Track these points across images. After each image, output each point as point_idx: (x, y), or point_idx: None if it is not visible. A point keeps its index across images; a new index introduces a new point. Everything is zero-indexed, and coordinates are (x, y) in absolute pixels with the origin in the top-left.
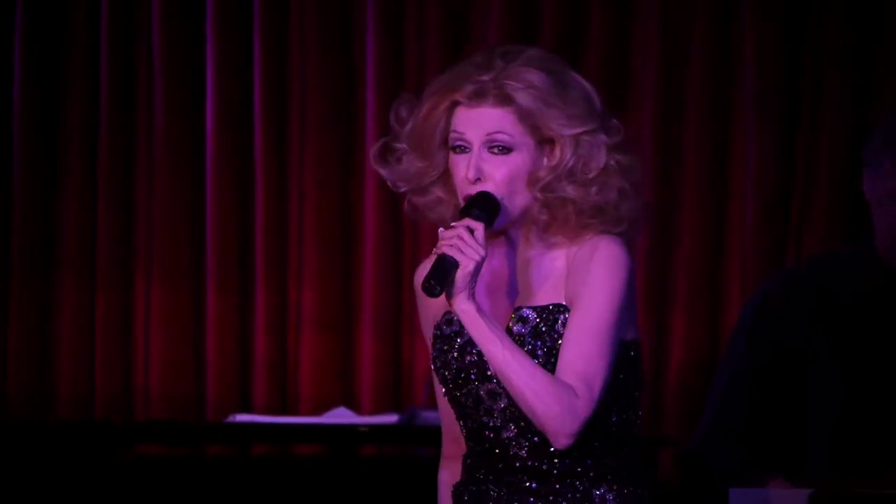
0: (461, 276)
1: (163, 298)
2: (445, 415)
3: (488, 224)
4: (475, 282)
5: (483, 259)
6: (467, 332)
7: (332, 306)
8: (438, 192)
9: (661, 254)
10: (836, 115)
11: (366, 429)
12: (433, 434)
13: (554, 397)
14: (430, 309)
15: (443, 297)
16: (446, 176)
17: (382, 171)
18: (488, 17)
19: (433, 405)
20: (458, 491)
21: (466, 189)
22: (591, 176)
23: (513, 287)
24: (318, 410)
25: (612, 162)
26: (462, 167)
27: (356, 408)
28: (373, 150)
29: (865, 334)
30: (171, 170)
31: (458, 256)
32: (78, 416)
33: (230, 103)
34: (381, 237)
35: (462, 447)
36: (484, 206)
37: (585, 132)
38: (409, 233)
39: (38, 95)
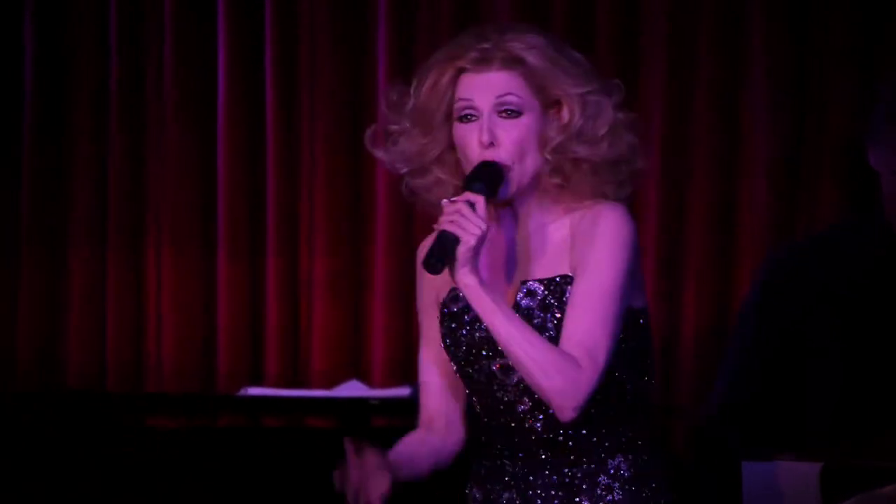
0: (462, 251)
1: (174, 269)
2: (434, 392)
3: (492, 195)
4: (478, 256)
5: (485, 233)
6: (473, 308)
7: (344, 278)
8: (438, 171)
9: (673, 228)
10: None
11: (377, 402)
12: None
13: (558, 370)
14: (433, 287)
15: (447, 274)
16: (447, 154)
17: (379, 154)
18: (499, 13)
19: None
20: (473, 467)
21: (479, 155)
22: (600, 133)
23: (517, 259)
24: (331, 383)
25: (619, 118)
26: (473, 134)
27: (368, 380)
28: (367, 134)
29: (873, 304)
30: (181, 139)
31: (458, 232)
32: (89, 386)
33: (242, 72)
34: (393, 207)
35: (439, 427)
36: (486, 178)
37: (591, 91)
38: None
39: (50, 64)
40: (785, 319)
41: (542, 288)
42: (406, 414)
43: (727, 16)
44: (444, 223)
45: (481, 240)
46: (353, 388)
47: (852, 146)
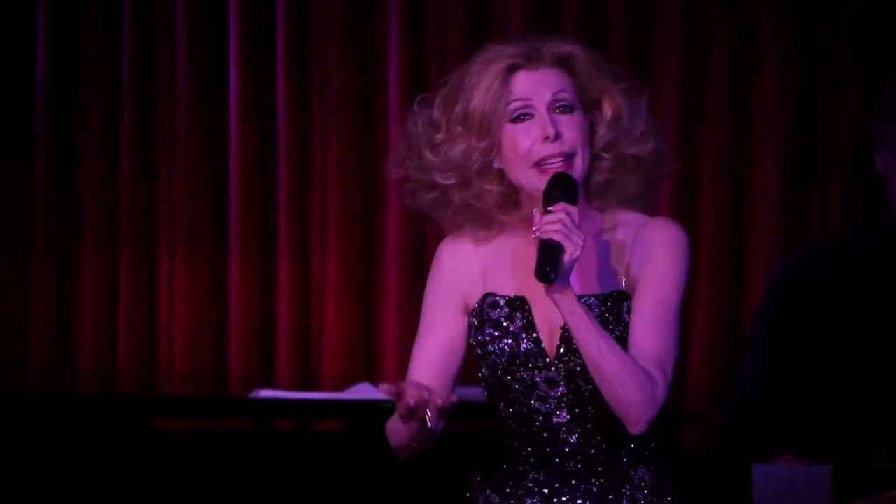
0: (568, 261)
1: (185, 273)
2: (417, 373)
3: (573, 203)
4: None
5: (584, 245)
6: (518, 318)
7: (355, 281)
8: (480, 182)
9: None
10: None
11: (388, 404)
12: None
13: (639, 386)
14: (459, 288)
15: (479, 278)
16: (491, 162)
17: (414, 170)
18: (509, 14)
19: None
20: (487, 465)
21: (539, 150)
22: (640, 128)
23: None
24: (342, 386)
25: (651, 117)
26: (531, 132)
27: (379, 382)
28: (390, 161)
29: (884, 306)
30: (193, 144)
31: (564, 242)
32: (100, 389)
33: (253, 78)
34: (405, 211)
35: None
36: (566, 188)
37: (628, 88)
38: None
39: (60, 66)
40: (797, 323)
41: (598, 304)
42: None
43: (738, 19)
44: (550, 232)
45: (582, 251)
46: (363, 391)
47: (863, 146)
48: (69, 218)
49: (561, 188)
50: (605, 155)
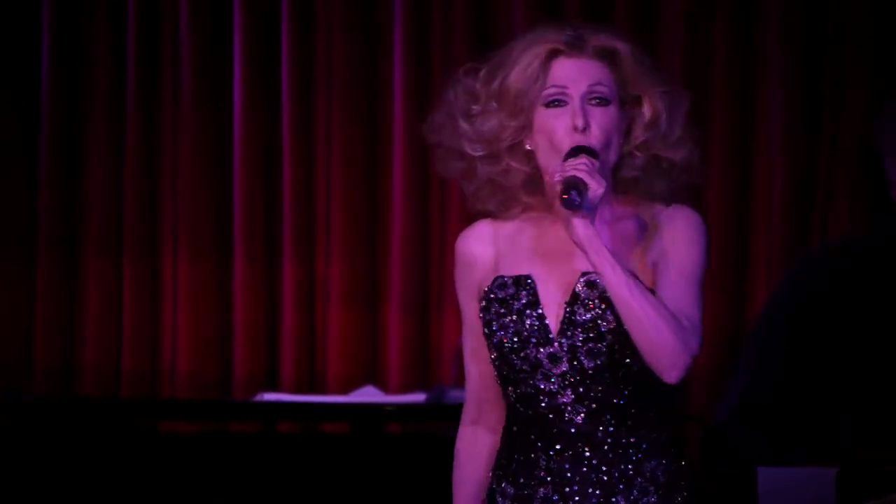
0: (593, 197)
1: (190, 277)
2: (475, 380)
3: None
4: (596, 211)
5: (605, 192)
6: (524, 295)
7: (360, 283)
8: (508, 159)
9: None
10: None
11: (393, 408)
12: (460, 412)
13: (672, 330)
14: (475, 273)
15: (491, 265)
16: (521, 141)
17: (448, 137)
18: (512, 15)
19: (460, 384)
20: (501, 460)
21: (569, 140)
22: (678, 134)
23: (576, 253)
24: (346, 388)
25: (690, 124)
26: (562, 119)
27: (384, 386)
28: (430, 120)
29: (889, 307)
30: (197, 147)
31: (587, 179)
32: (104, 392)
33: (258, 81)
34: (409, 213)
35: (487, 414)
36: (590, 154)
37: (671, 91)
38: (436, 209)
39: (65, 70)
40: (814, 323)
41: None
42: (421, 420)
43: (742, 18)
44: (572, 171)
45: (603, 196)
46: (368, 394)
47: (868, 147)
48: (74, 221)
49: (585, 151)
50: (639, 154)
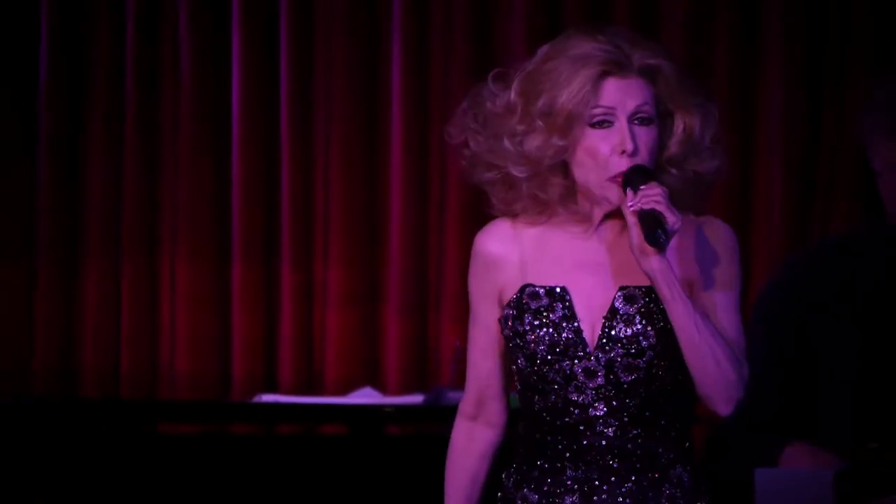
0: (671, 230)
1: (188, 278)
2: (482, 375)
3: None
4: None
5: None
6: (559, 308)
7: (358, 284)
8: (550, 176)
9: None
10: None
11: (391, 409)
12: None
13: (733, 365)
14: (495, 281)
15: (517, 268)
16: (564, 159)
17: (480, 146)
18: (512, 18)
19: (459, 385)
20: (523, 467)
21: (618, 161)
22: (709, 146)
23: (611, 265)
24: (345, 391)
25: (721, 137)
26: (609, 141)
27: (382, 387)
28: (456, 123)
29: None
30: (196, 149)
31: (667, 214)
32: (103, 393)
33: (257, 83)
34: (407, 215)
35: (488, 409)
36: (646, 177)
37: (704, 105)
38: (434, 211)
39: (64, 70)
40: (801, 319)
41: (642, 294)
42: (420, 421)
43: (743, 17)
44: (651, 203)
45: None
46: (366, 396)
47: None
48: (73, 222)
49: (642, 176)
50: (672, 169)
